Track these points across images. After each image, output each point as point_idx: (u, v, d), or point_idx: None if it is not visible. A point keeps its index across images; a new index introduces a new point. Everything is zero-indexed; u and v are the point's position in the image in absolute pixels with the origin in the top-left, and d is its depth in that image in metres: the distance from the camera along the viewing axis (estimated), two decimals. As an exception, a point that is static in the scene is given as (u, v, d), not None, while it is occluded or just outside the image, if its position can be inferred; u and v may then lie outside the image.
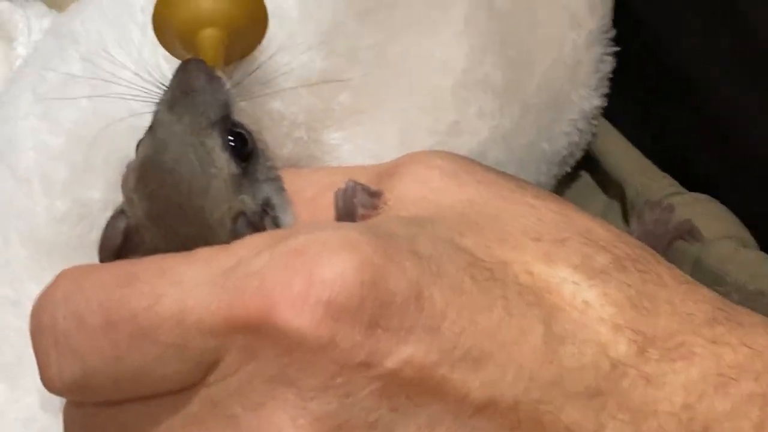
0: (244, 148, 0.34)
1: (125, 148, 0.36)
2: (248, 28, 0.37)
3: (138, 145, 0.35)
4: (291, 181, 0.36)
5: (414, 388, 0.28)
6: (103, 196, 0.39)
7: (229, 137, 0.34)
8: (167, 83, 0.35)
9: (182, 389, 0.29)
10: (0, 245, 0.39)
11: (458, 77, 0.41)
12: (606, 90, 0.48)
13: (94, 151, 0.38)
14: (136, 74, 0.36)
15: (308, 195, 0.36)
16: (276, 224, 0.34)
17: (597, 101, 0.48)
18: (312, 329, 0.27)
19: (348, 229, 0.29)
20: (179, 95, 0.34)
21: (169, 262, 0.29)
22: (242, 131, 0.35)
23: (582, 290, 0.30)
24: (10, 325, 0.39)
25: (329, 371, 0.27)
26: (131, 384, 0.28)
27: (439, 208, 0.32)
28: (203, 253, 0.29)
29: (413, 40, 0.40)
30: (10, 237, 0.39)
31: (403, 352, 0.27)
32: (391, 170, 0.34)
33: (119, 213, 0.34)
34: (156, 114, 0.35)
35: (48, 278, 0.35)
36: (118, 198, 0.35)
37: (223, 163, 0.34)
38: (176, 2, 0.36)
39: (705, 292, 0.32)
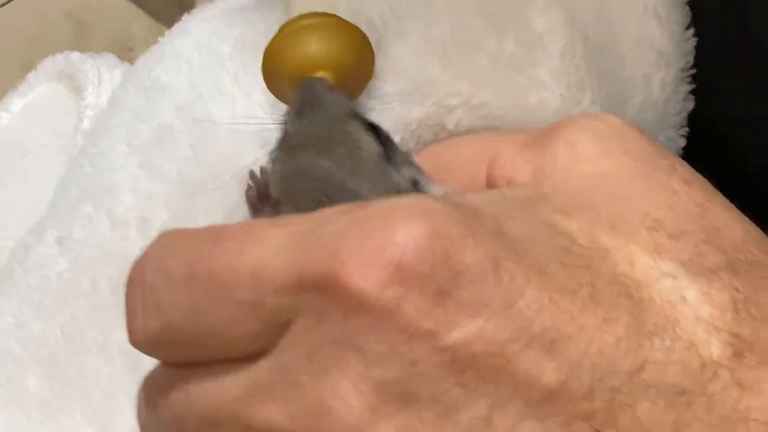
0: (380, 134, 0.35)
1: (230, 194, 0.36)
2: (356, 71, 0.37)
3: (271, 155, 0.35)
4: (438, 151, 0.35)
5: (483, 364, 0.26)
6: None
7: (366, 122, 0.34)
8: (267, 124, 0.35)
9: (254, 356, 0.28)
10: (89, 291, 0.39)
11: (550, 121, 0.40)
12: (686, 131, 0.48)
13: (196, 198, 0.38)
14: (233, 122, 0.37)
15: (458, 163, 0.35)
16: None
17: (682, 142, 0.47)
18: (378, 291, 0.26)
19: (431, 199, 0.28)
20: (304, 102, 0.35)
21: (259, 224, 0.29)
22: (372, 122, 0.35)
23: (682, 286, 0.28)
24: (98, 370, 0.39)
25: (394, 337, 0.26)
26: (207, 341, 0.28)
27: (567, 180, 0.31)
28: (293, 218, 0.29)
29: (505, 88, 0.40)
30: (99, 283, 0.39)
31: (474, 325, 0.26)
32: (549, 131, 0.33)
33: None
34: (283, 129, 0.35)
35: None
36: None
37: (369, 143, 0.34)
38: (286, 49, 0.37)
39: None
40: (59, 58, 0.53)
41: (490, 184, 0.33)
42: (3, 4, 0.60)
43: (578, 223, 0.29)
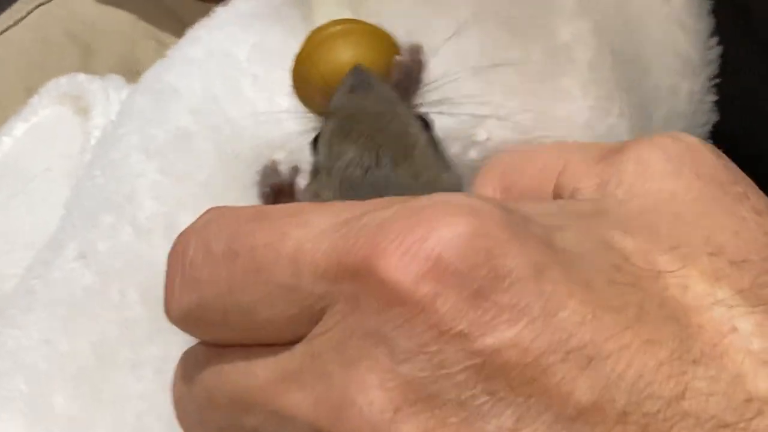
0: (430, 129, 0.34)
1: (254, 196, 0.36)
2: (387, 72, 0.37)
3: (315, 140, 0.34)
4: (507, 160, 0.35)
5: (516, 374, 0.25)
6: None
7: (417, 114, 0.34)
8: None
9: (287, 342, 0.27)
10: (118, 303, 0.39)
11: (578, 133, 0.40)
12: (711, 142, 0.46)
13: (223, 200, 0.37)
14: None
15: (527, 174, 0.34)
16: None
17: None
18: (413, 284, 0.25)
19: (481, 199, 0.27)
20: (359, 82, 0.34)
21: (303, 207, 0.28)
22: (423, 115, 0.34)
23: (736, 316, 0.27)
24: (130, 389, 0.38)
25: (425, 335, 0.25)
26: (239, 322, 0.28)
27: (632, 196, 0.30)
28: (340, 203, 0.28)
29: (533, 100, 0.40)
30: (128, 294, 0.39)
31: (509, 332, 0.25)
32: (622, 145, 0.32)
33: (313, 196, 0.34)
34: (333, 103, 0.34)
35: (167, 336, 0.35)
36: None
37: (418, 129, 0.33)
38: (319, 55, 0.37)
39: None
40: (63, 80, 0.52)
41: (557, 193, 0.32)
42: (7, 28, 0.60)
43: (635, 242, 0.28)
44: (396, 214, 0.26)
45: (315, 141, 0.35)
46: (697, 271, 0.28)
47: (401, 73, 0.37)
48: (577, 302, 0.26)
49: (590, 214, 0.29)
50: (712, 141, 0.47)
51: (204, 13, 0.45)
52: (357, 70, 0.35)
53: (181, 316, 0.29)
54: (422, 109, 0.37)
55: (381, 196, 0.30)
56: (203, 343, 0.30)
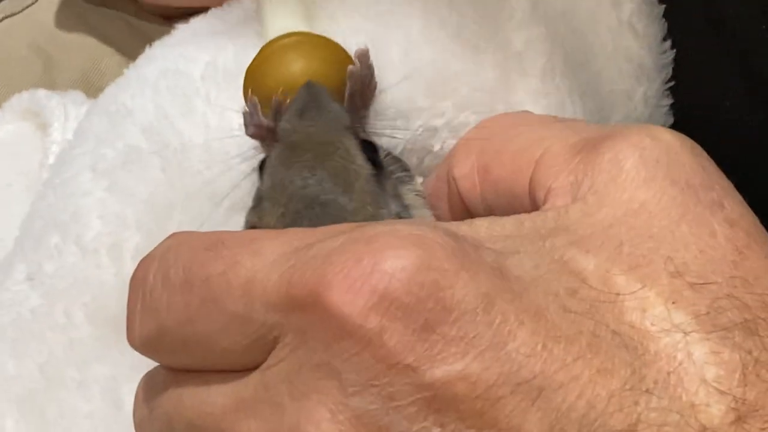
0: (376, 156, 0.34)
1: (202, 213, 0.36)
2: (340, 84, 0.36)
3: (261, 165, 0.34)
4: (492, 132, 0.35)
5: (466, 406, 0.25)
6: None
7: (362, 140, 0.34)
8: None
9: (242, 370, 0.28)
10: (65, 324, 0.39)
11: None
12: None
13: (168, 218, 0.38)
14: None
15: (507, 155, 0.34)
16: None
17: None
18: (360, 318, 0.25)
19: (430, 228, 0.27)
20: (309, 103, 0.34)
21: (256, 235, 0.28)
22: (371, 140, 0.34)
23: (691, 343, 0.27)
24: (78, 409, 0.38)
25: (374, 368, 0.25)
26: (196, 350, 0.28)
27: (600, 207, 0.29)
28: (292, 231, 0.28)
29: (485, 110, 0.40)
30: (73, 315, 0.39)
31: (458, 365, 0.25)
32: (599, 140, 0.31)
33: (251, 228, 0.34)
34: (282, 125, 0.34)
35: (115, 356, 0.36)
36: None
37: (362, 162, 0.33)
38: (269, 68, 0.37)
39: None
40: (25, 95, 0.52)
41: (532, 190, 0.32)
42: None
43: (595, 261, 0.28)
44: (343, 244, 0.26)
45: (261, 166, 0.35)
46: (656, 293, 0.27)
47: (356, 83, 0.37)
48: (528, 332, 0.25)
49: (551, 231, 0.29)
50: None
51: (166, 32, 0.45)
52: (307, 89, 0.35)
53: (142, 343, 0.29)
54: (375, 123, 0.37)
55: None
56: (165, 367, 0.30)
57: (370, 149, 0.34)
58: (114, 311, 0.38)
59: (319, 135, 0.33)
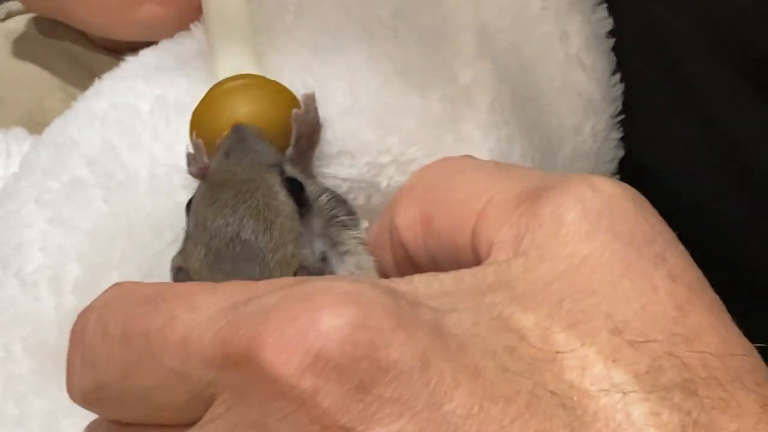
0: (301, 194, 0.34)
1: (145, 244, 0.36)
2: (286, 128, 0.37)
3: (188, 205, 0.34)
4: (438, 177, 0.34)
5: None
6: None
7: (287, 178, 0.34)
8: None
9: (181, 425, 0.27)
10: (4, 358, 0.38)
11: None
12: (618, 178, 0.47)
13: (110, 250, 0.38)
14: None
15: (451, 204, 0.33)
16: None
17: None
18: (294, 378, 0.25)
19: (368, 286, 0.27)
20: (235, 144, 0.34)
21: (196, 288, 0.28)
22: (297, 178, 0.35)
23: (630, 403, 0.27)
24: None
25: (308, 429, 0.25)
26: (136, 405, 0.28)
27: (541, 262, 0.29)
28: (230, 285, 0.28)
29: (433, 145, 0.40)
30: (12, 348, 0.38)
31: (393, 426, 0.25)
32: (540, 191, 0.31)
33: (177, 270, 0.34)
34: (212, 165, 0.35)
35: (54, 391, 0.35)
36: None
37: (285, 199, 0.33)
38: (215, 110, 0.37)
39: None
40: (-29, 132, 0.51)
41: (474, 244, 0.32)
42: None
43: (535, 318, 0.28)
44: (280, 301, 0.26)
45: (188, 207, 0.35)
46: (595, 351, 0.27)
47: (302, 126, 0.37)
48: (464, 393, 0.25)
49: (491, 287, 0.29)
50: (619, 176, 0.47)
51: (114, 64, 0.45)
52: (235, 131, 0.35)
53: (82, 396, 0.29)
54: (321, 163, 0.37)
55: (243, 268, 0.31)
56: (108, 419, 0.29)
57: (296, 187, 0.34)
58: (53, 345, 0.37)
59: (242, 173, 0.34)
